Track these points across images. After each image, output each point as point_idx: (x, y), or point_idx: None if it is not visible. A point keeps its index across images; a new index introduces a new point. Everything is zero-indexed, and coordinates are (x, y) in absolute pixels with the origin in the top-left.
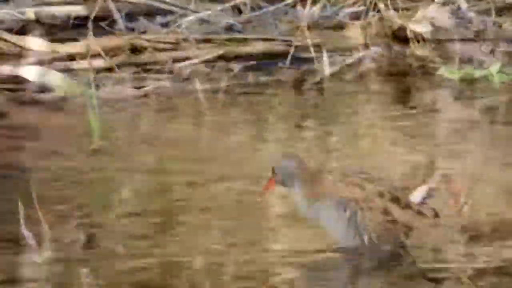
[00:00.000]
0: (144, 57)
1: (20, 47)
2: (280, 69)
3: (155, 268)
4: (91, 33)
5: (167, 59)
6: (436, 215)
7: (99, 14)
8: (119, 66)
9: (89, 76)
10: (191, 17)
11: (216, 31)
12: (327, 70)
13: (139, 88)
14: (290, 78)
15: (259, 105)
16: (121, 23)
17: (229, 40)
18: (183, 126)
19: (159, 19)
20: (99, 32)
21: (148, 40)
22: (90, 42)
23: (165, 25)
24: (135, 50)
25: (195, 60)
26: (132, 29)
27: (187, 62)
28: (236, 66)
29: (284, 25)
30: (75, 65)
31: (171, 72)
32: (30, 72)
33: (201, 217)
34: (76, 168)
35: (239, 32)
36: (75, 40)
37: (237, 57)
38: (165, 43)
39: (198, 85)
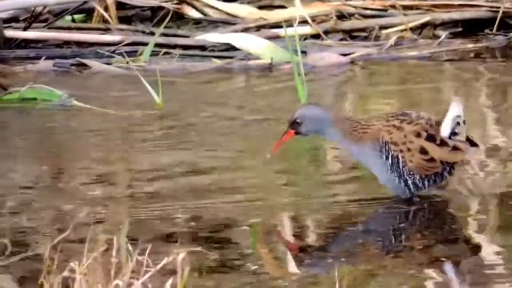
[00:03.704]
0: (350, 24)
1: (228, 14)
2: (487, 35)
3: None
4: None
5: (373, 25)
6: (474, 143)
7: None
8: (326, 32)
9: (295, 43)
10: None
11: None
12: None
13: (345, 55)
14: (497, 45)
15: (466, 72)
16: None
17: (436, 6)
18: (388, 94)
19: None
20: None
21: (355, 7)
22: (297, 9)
23: None
24: (342, 16)
25: (402, 27)
26: None
27: (394, 29)
28: (442, 33)
29: None
30: (281, 32)
31: (377, 38)
32: (238, 39)
33: None
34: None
35: None
36: (282, 7)
37: (444, 24)
38: (372, 9)
39: (405, 52)
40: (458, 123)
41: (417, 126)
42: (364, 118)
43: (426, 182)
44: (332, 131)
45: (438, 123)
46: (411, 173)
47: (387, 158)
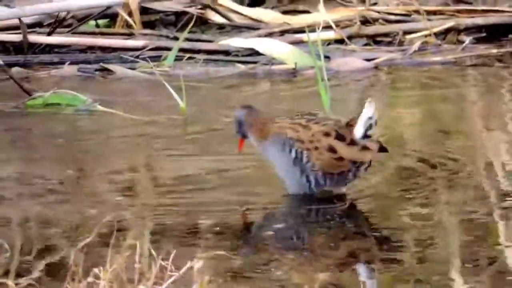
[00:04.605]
0: (374, 29)
1: (252, 19)
2: (511, 41)
3: None
4: (321, 5)
5: (397, 30)
6: (383, 149)
7: None
8: (350, 37)
9: (319, 48)
10: None
11: (446, 2)
12: None
13: (369, 60)
14: None
15: (490, 77)
16: None
17: (459, 11)
18: (412, 99)
19: None
20: (330, 4)
21: (378, 12)
22: (321, 14)
23: None
24: (366, 21)
25: (426, 32)
26: (363, 1)
27: (417, 34)
28: (466, 38)
29: None
30: (305, 37)
31: (401, 43)
32: (261, 44)
33: None
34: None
35: (470, 3)
36: (306, 12)
37: (468, 29)
38: (395, 15)
39: (428, 57)
40: (371, 125)
41: (325, 126)
42: (272, 117)
43: (328, 181)
44: (250, 135)
45: (349, 124)
46: (314, 169)
47: (290, 152)
